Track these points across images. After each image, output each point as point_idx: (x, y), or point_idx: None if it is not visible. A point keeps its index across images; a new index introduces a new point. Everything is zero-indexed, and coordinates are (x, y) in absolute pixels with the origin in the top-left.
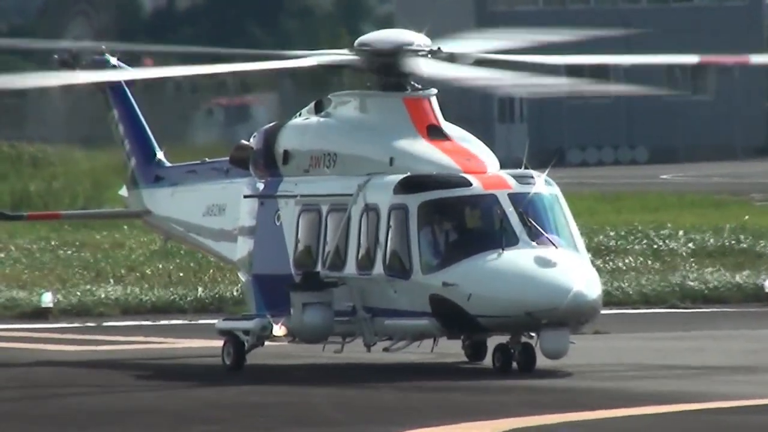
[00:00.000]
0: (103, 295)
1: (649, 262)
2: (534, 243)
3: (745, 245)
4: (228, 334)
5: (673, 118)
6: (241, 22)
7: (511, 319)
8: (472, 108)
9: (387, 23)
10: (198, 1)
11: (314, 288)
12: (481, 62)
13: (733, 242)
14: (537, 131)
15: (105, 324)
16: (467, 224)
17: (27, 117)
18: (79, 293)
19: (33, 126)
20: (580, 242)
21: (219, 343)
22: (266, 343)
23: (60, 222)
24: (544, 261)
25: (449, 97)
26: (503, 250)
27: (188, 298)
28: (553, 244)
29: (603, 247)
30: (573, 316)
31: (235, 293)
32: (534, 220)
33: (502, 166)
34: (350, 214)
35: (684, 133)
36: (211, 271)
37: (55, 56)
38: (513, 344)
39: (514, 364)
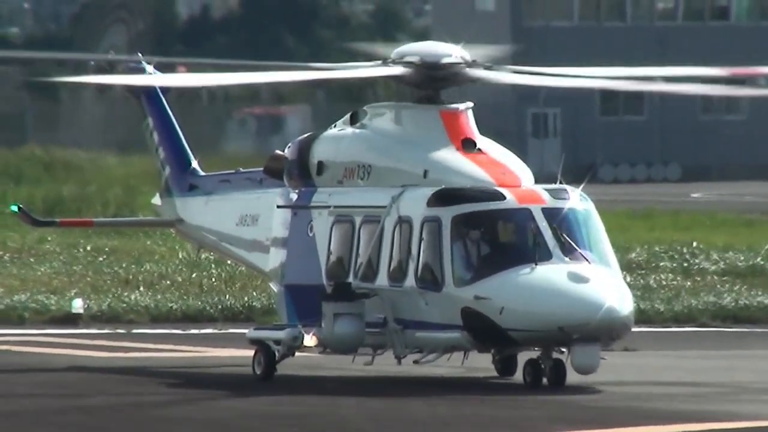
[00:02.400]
0: (133, 302)
1: (680, 280)
2: (567, 258)
3: None
4: (259, 344)
5: (707, 137)
6: (275, 30)
7: (543, 333)
8: (507, 122)
9: (422, 36)
10: (233, 10)
11: (346, 299)
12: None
13: (764, 262)
14: (570, 147)
15: (135, 331)
16: (500, 238)
17: (61, 122)
18: (109, 299)
19: (67, 131)
20: (613, 258)
21: (249, 352)
22: (297, 353)
23: (92, 229)
24: (577, 276)
25: (483, 112)
26: (536, 264)
27: (218, 307)
28: (586, 260)
29: (634, 264)
30: (605, 332)
31: (265, 302)
32: (567, 235)
33: (536, 181)
34: (383, 226)
35: (717, 152)
36: (242, 280)
37: (92, 62)
38: (544, 359)
39: (545, 380)
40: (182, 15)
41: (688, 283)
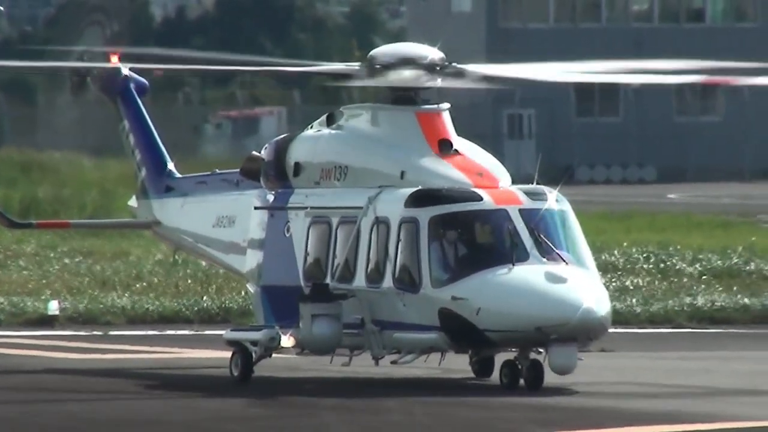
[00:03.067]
0: (109, 304)
1: (657, 281)
2: (544, 259)
3: (752, 267)
4: (236, 345)
5: (683, 139)
6: (251, 32)
7: (520, 334)
8: (482, 124)
9: (398, 38)
10: (208, 11)
11: (323, 300)
12: (490, 79)
13: (740, 263)
14: (546, 148)
15: (111, 333)
16: (477, 239)
17: (38, 125)
18: (85, 301)
19: (43, 134)
20: (590, 259)
21: (225, 353)
22: (274, 355)
23: (68, 231)
24: (555, 277)
25: (458, 113)
26: (513, 265)
27: (195, 309)
28: (564, 260)
29: (610, 266)
30: (582, 332)
31: (241, 303)
32: (544, 236)
33: (512, 182)
34: (360, 227)
35: (693, 154)
36: (218, 282)
37: (67, 66)
38: (521, 360)
39: (522, 381)
40: (157, 17)
41: (665, 285)
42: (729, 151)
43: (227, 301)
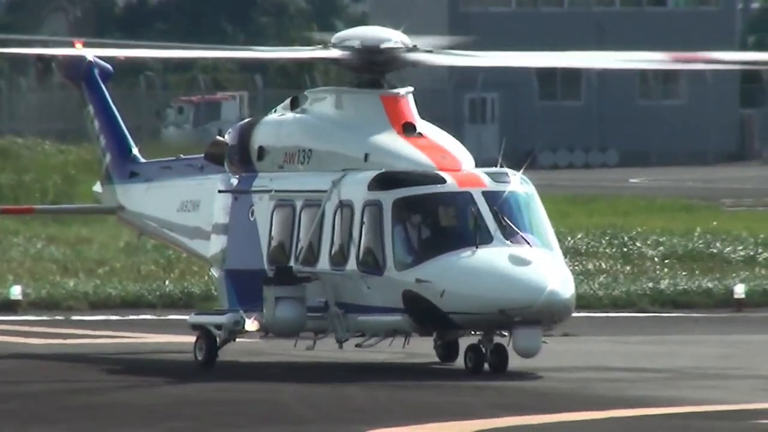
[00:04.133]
0: (72, 289)
1: (619, 265)
2: (508, 241)
3: (714, 250)
4: (200, 329)
5: (645, 122)
6: (213, 17)
7: (484, 316)
8: (444, 108)
9: (360, 22)
10: None
11: (287, 282)
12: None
13: (702, 247)
14: (508, 132)
15: (73, 318)
16: (441, 221)
17: (1, 110)
18: (48, 286)
19: (5, 120)
20: (555, 241)
21: (188, 338)
22: (238, 339)
23: (31, 216)
24: (518, 259)
25: (421, 97)
26: (477, 247)
27: (157, 293)
28: (528, 243)
29: (573, 250)
30: (546, 315)
31: (204, 288)
32: (508, 219)
33: (475, 166)
34: (324, 210)
35: (656, 138)
36: (180, 266)
37: (30, 55)
38: (485, 343)
39: (486, 366)
40: (119, 2)
41: (627, 268)
42: (692, 134)
43: (190, 286)
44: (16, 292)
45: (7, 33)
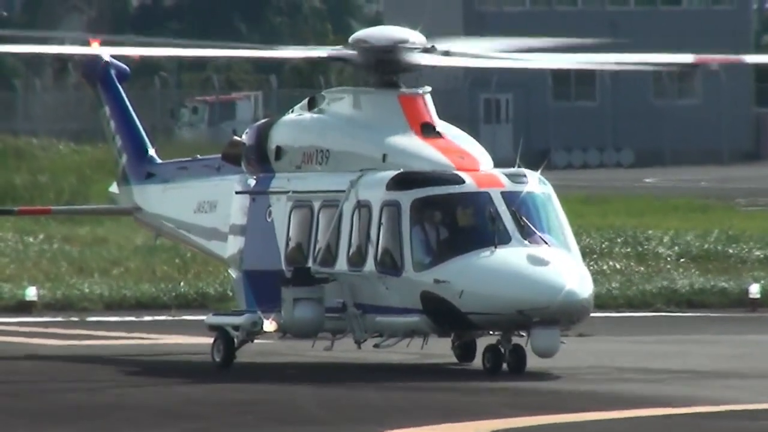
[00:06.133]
0: (87, 290)
1: (634, 265)
2: (526, 241)
3: (730, 250)
4: (218, 330)
5: (660, 122)
6: (227, 16)
7: (502, 316)
8: (459, 108)
9: (375, 22)
10: None
11: (305, 283)
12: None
13: (718, 247)
14: (523, 133)
15: (88, 319)
16: (459, 222)
17: (15, 111)
18: (63, 287)
19: (21, 120)
20: (573, 241)
21: (203, 339)
22: (256, 339)
23: (47, 216)
24: (537, 259)
25: (435, 98)
26: (495, 247)
27: (172, 294)
28: (546, 243)
29: (588, 250)
30: (564, 315)
31: (219, 289)
32: (526, 219)
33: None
34: (342, 211)
35: (670, 137)
36: (196, 267)
37: (48, 53)
38: (503, 343)
39: (504, 366)
40: (133, 1)
41: (642, 268)
42: (706, 134)
43: (204, 287)
44: (31, 293)
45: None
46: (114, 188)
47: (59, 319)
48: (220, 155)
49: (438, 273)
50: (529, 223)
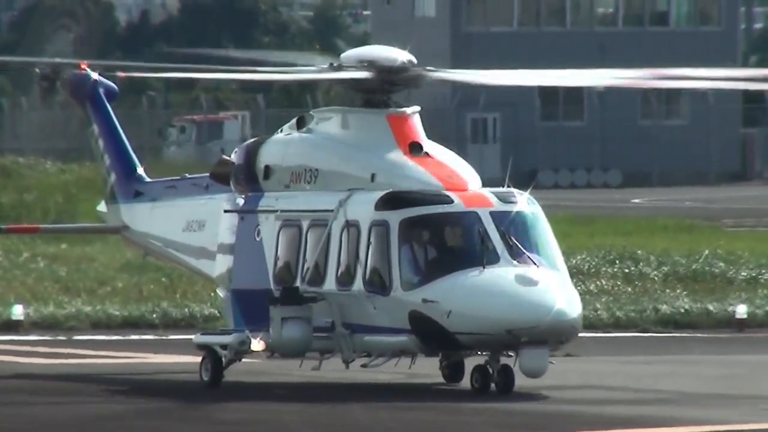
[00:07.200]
0: (73, 309)
1: (621, 285)
2: (515, 261)
3: (716, 270)
4: (206, 349)
5: (647, 142)
6: (214, 36)
7: (491, 336)
8: (446, 128)
9: (362, 42)
10: (172, 16)
11: (293, 302)
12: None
13: (705, 267)
14: (510, 152)
15: (75, 338)
16: (448, 241)
17: (1, 130)
18: (50, 306)
19: (7, 139)
20: (561, 261)
21: (190, 358)
22: (244, 359)
23: (34, 235)
24: (525, 279)
25: (423, 117)
26: (484, 267)
27: (159, 313)
28: (534, 263)
29: (575, 270)
30: (553, 335)
31: (205, 309)
32: (515, 239)
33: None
34: (331, 230)
35: (658, 158)
36: (182, 287)
37: (37, 70)
38: (492, 363)
39: (493, 386)
40: (121, 21)
41: (629, 289)
42: (694, 155)
43: (192, 306)
44: (17, 311)
45: (10, 51)
46: (102, 207)
47: (46, 337)
48: (208, 174)
49: (426, 293)
50: (517, 243)
